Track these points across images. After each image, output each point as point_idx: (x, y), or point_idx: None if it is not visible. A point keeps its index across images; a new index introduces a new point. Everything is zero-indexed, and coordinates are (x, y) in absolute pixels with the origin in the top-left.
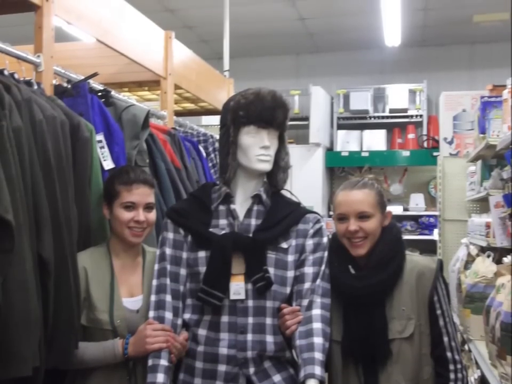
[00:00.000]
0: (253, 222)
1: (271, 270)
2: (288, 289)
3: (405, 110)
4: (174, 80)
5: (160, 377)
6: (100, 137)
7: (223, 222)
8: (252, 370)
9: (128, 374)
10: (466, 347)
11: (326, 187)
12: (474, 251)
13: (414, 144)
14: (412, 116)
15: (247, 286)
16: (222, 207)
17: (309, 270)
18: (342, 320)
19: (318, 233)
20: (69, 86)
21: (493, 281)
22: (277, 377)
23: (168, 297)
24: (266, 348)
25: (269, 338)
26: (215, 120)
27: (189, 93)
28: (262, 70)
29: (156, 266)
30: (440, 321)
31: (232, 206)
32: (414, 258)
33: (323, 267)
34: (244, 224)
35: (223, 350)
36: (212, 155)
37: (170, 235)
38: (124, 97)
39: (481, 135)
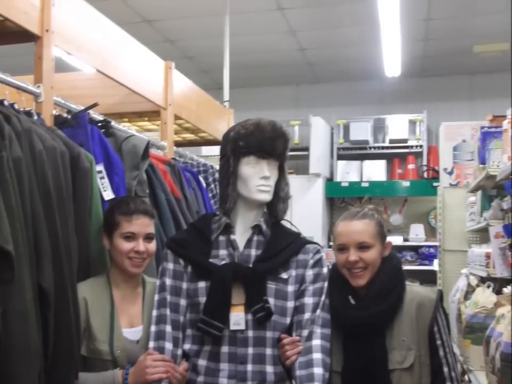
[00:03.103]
0: (253, 252)
1: (271, 301)
2: (288, 320)
3: (405, 141)
4: (174, 111)
5: None
6: (100, 167)
7: (223, 252)
8: None
9: None
10: (466, 377)
11: (326, 217)
12: (474, 281)
13: (414, 175)
14: (411, 146)
15: (247, 316)
16: (222, 238)
17: (309, 300)
18: (342, 350)
19: (318, 263)
20: (69, 117)
21: (493, 312)
22: None
23: (168, 328)
24: (266, 378)
25: (269, 369)
26: (215, 150)
27: (189, 123)
28: (262, 100)
29: (156, 297)
30: (440, 352)
31: (232, 237)
32: (414, 289)
33: (323, 297)
34: (244, 254)
35: (223, 381)
36: (212, 185)
37: (170, 265)
38: (123, 127)
39: (481, 166)
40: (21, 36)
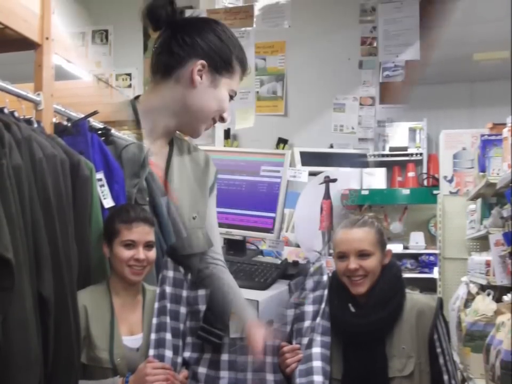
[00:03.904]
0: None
1: None
2: (288, 328)
3: (405, 149)
4: None
5: None
6: (99, 175)
7: None
8: None
9: None
10: None
11: None
12: (474, 289)
13: (414, 183)
14: (411, 154)
15: None
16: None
17: (309, 308)
18: (342, 358)
19: (318, 271)
20: (69, 124)
21: (493, 320)
22: None
23: (168, 336)
24: None
25: (269, 377)
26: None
27: None
28: None
29: (156, 305)
30: (440, 360)
31: None
32: (414, 297)
33: (323, 305)
34: None
35: None
36: None
37: (170, 273)
38: (123, 135)
39: (481, 173)
40: (21, 43)
